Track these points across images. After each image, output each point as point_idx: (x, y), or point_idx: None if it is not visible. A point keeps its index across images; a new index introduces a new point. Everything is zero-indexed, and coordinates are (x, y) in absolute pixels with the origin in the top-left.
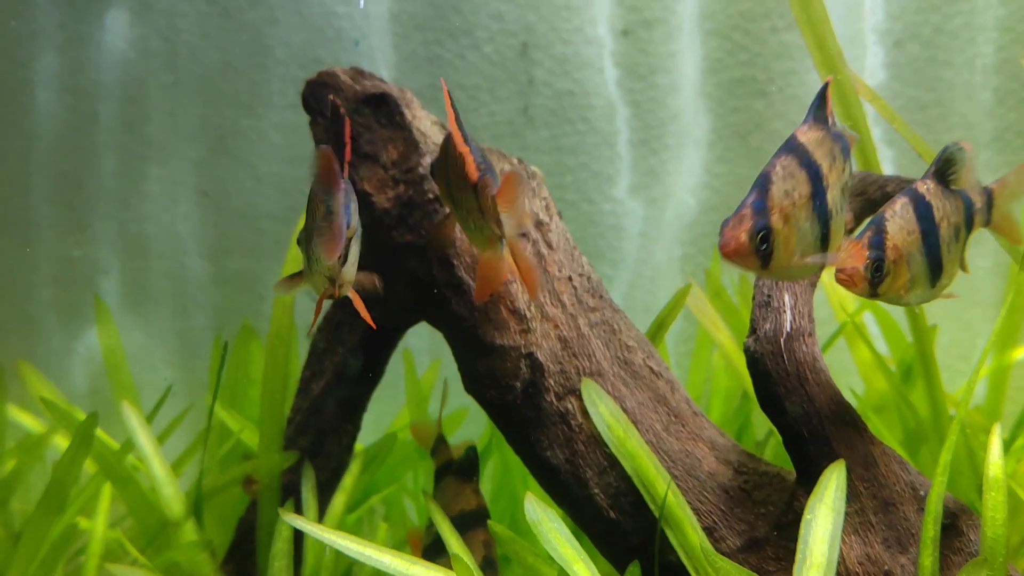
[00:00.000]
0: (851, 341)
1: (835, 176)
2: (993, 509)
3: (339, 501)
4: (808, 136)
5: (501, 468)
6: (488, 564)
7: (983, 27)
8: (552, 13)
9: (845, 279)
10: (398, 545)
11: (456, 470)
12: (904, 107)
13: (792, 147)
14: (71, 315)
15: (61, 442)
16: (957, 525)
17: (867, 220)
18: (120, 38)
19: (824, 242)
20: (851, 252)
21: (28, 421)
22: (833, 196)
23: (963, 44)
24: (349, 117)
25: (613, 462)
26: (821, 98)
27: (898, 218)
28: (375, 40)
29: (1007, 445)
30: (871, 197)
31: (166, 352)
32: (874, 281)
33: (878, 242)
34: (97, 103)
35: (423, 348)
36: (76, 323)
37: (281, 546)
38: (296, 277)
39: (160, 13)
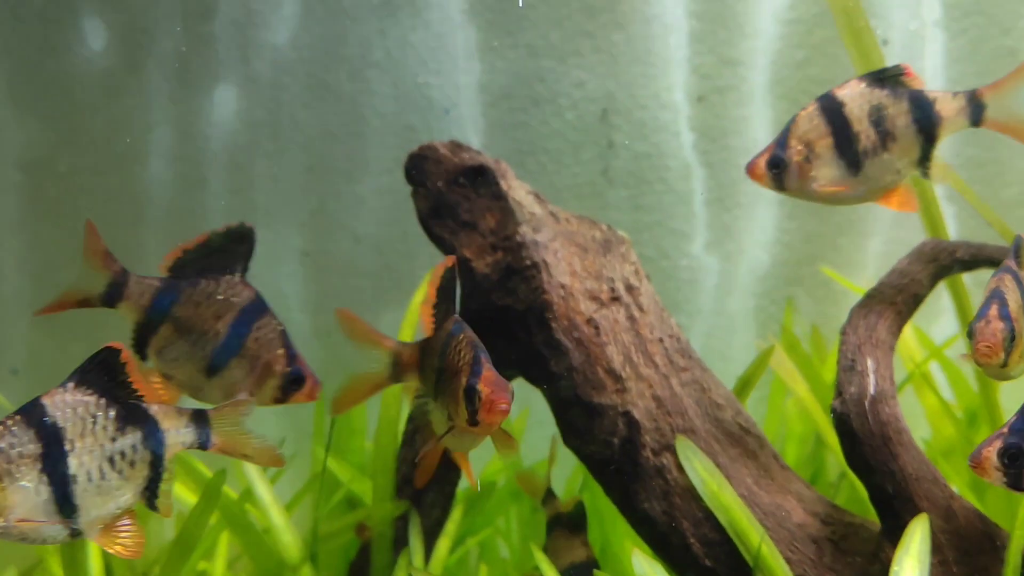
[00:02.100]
0: (919, 389)
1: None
2: None
3: (443, 545)
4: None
5: (592, 512)
6: None
7: None
8: (630, 81)
9: (987, 350)
10: None
11: (566, 523)
12: (963, 165)
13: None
14: None
15: (180, 490)
16: None
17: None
18: (228, 110)
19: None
20: (988, 324)
21: None
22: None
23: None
24: (448, 187)
25: (708, 514)
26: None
27: (1011, 292)
28: (464, 109)
29: None
30: (943, 263)
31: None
32: (1008, 350)
33: (1007, 313)
34: (206, 171)
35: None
36: None
37: None
38: None
39: (265, 87)
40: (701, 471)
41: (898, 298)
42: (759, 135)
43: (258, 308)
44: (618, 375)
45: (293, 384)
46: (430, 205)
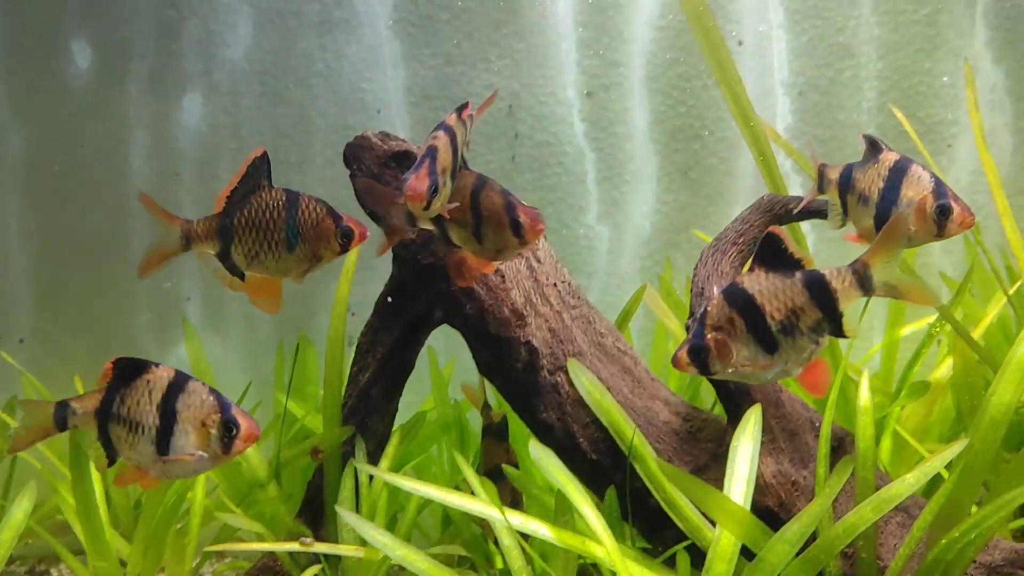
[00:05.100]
0: None
1: None
2: (863, 428)
3: (384, 465)
4: None
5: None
6: (515, 504)
7: (867, 78)
8: (531, 81)
9: None
10: None
11: (494, 432)
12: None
13: None
14: (164, 334)
15: None
16: (843, 446)
17: None
18: (195, 115)
19: None
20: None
21: None
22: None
23: (852, 92)
24: (379, 169)
25: (593, 419)
26: None
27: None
28: (393, 108)
29: (894, 396)
30: (777, 213)
31: (239, 360)
32: None
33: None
34: (179, 165)
35: (442, 348)
36: (168, 340)
37: (346, 494)
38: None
39: (225, 95)
40: (587, 384)
41: (740, 240)
42: (639, 122)
43: (294, 196)
44: (520, 313)
45: (345, 237)
46: (364, 185)
